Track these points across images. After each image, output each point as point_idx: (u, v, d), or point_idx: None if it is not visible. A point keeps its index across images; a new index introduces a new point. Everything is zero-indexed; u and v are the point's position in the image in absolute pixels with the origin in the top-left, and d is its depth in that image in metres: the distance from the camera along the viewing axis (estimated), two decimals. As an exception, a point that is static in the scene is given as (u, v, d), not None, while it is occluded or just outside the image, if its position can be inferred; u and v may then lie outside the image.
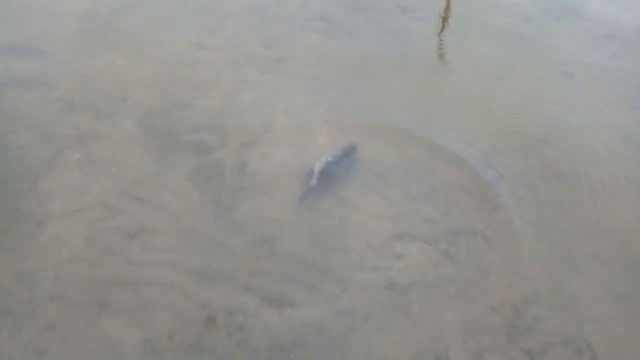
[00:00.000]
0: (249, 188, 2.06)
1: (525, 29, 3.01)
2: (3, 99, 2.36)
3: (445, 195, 2.09)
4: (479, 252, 1.91)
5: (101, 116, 2.28)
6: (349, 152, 2.20)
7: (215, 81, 2.51)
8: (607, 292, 1.78)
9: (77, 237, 1.83)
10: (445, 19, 3.14)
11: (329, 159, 2.12)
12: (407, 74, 2.63)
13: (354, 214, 2.00)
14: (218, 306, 1.70)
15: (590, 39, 2.97)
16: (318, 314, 1.72)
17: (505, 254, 1.89)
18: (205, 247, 1.86)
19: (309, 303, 1.74)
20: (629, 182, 2.13)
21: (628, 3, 3.36)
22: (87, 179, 2.03)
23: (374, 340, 1.65)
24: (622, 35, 3.00)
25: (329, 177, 2.09)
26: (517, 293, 1.78)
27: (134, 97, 2.38)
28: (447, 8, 3.23)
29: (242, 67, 2.60)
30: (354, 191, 2.10)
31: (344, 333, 1.66)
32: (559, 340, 1.64)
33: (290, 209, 2.02)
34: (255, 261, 1.83)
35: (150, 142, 2.20)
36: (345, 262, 1.84)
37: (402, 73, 2.64)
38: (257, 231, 1.92)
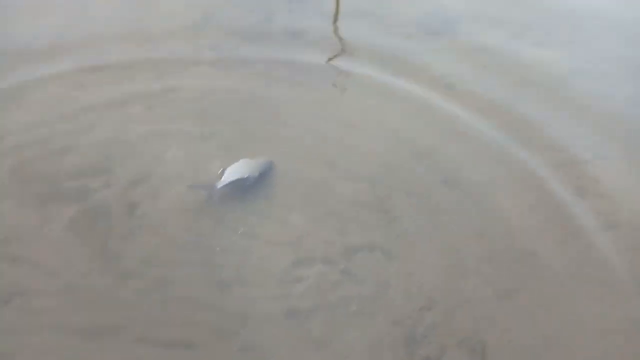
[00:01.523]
0: (138, 231, 1.95)
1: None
2: None
3: (342, 213, 2.12)
4: (377, 266, 1.95)
5: (-35, 170, 2.08)
6: (265, 170, 2.18)
7: (98, 120, 2.38)
8: (495, 289, 1.89)
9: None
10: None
11: (244, 174, 2.11)
12: (300, 98, 2.67)
13: (252, 243, 1.96)
14: (107, 365, 1.58)
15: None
16: (219, 355, 1.66)
17: (402, 266, 1.95)
18: (92, 301, 1.73)
19: (209, 345, 1.67)
20: (505, 181, 2.29)
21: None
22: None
23: (280, 374, 1.61)
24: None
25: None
26: (415, 303, 1.82)
27: (6, 143, 2.19)
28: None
29: (127, 103, 2.50)
30: (252, 219, 2.06)
31: (248, 371, 1.61)
32: (454, 343, 1.71)
33: (185, 247, 1.94)
34: (148, 309, 1.73)
35: (25, 193, 2.02)
36: (243, 297, 1.79)
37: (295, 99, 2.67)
38: (148, 276, 1.82)
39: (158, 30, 2.96)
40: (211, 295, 1.79)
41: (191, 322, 1.71)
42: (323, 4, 3.35)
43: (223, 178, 2.09)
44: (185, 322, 1.72)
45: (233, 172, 2.11)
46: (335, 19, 3.27)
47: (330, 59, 2.98)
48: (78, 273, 1.80)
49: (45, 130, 2.30)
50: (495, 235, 2.09)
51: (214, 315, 1.74)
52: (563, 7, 3.42)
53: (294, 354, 1.67)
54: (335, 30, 3.24)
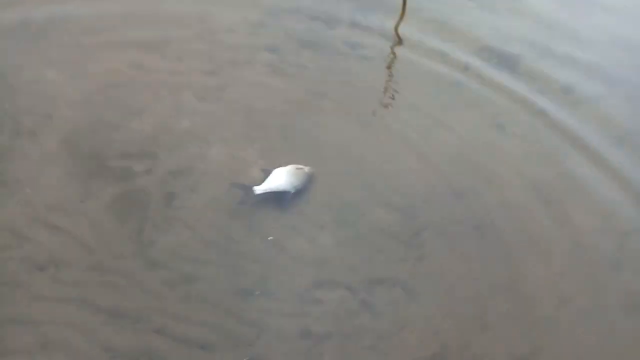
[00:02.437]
0: (173, 222, 2.00)
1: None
2: None
3: (372, 241, 2.13)
4: (398, 303, 1.95)
5: (21, 133, 2.16)
6: (305, 184, 2.20)
7: (150, 105, 2.44)
8: (510, 352, 1.87)
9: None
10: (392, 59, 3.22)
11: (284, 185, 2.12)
12: (348, 116, 2.67)
13: (279, 255, 1.99)
14: (123, 351, 1.63)
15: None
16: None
17: (422, 307, 1.95)
18: (119, 284, 1.79)
19: (222, 350, 1.71)
20: (540, 240, 2.25)
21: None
22: (-5, 201, 1.91)
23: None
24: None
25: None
26: (428, 349, 1.83)
27: (60, 115, 2.27)
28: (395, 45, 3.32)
29: (180, 92, 2.55)
30: (282, 231, 2.09)
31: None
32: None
33: (214, 247, 1.98)
34: (171, 302, 1.78)
35: (73, 165, 2.10)
36: (262, 308, 1.83)
37: (344, 115, 2.68)
38: (175, 270, 1.87)
39: (220, 25, 3.01)
40: (232, 300, 1.83)
41: (209, 324, 1.76)
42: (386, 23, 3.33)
43: (264, 184, 2.11)
44: (203, 322, 1.76)
45: (275, 180, 2.14)
46: (396, 42, 3.25)
47: (387, 79, 2.98)
48: (111, 253, 1.86)
49: (99, 106, 2.37)
50: (521, 294, 2.06)
51: (231, 321, 1.78)
52: None
53: (301, 375, 1.70)
54: (394, 48, 3.22)
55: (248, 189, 2.11)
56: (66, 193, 1.98)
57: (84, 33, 2.75)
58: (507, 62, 3.30)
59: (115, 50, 2.69)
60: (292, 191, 2.15)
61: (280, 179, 2.14)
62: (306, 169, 2.26)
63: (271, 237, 2.02)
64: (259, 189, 2.09)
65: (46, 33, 2.68)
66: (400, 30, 3.23)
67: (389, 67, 3.13)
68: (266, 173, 2.17)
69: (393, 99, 2.89)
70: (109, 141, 2.22)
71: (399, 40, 3.23)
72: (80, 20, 2.81)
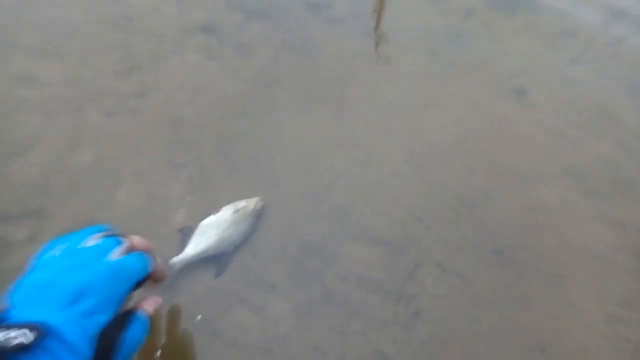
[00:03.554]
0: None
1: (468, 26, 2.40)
2: None
3: (345, 300, 1.52)
4: (383, 394, 1.37)
5: None
6: (249, 230, 1.58)
7: (40, 135, 1.83)
8: None
9: None
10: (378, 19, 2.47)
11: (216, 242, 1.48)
12: (317, 112, 2.00)
13: (212, 345, 1.42)
14: None
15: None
16: None
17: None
18: None
19: None
20: (600, 273, 1.60)
21: None
22: None
23: None
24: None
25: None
26: None
27: None
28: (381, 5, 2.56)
29: (81, 110, 1.92)
30: (215, 303, 1.50)
31: None
32: None
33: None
34: None
35: None
36: None
37: (310, 110, 2.00)
38: None
39: (139, 5, 2.32)
40: None
41: None
42: None
43: (187, 250, 1.50)
44: None
45: (202, 240, 1.51)
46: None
47: (365, 47, 2.26)
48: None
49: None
50: (558, 356, 1.44)
51: None
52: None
53: None
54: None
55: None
56: None
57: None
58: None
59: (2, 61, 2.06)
60: (231, 249, 1.55)
61: (210, 237, 1.52)
62: (252, 204, 1.64)
63: (200, 316, 1.44)
64: (177, 259, 1.49)
65: None
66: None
67: (375, 27, 2.40)
68: (185, 233, 1.56)
69: (371, 74, 2.18)
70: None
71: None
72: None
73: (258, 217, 1.62)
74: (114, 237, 0.99)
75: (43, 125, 1.86)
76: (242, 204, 1.61)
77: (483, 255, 1.64)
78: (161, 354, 1.34)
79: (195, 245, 1.48)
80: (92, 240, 0.96)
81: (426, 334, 1.47)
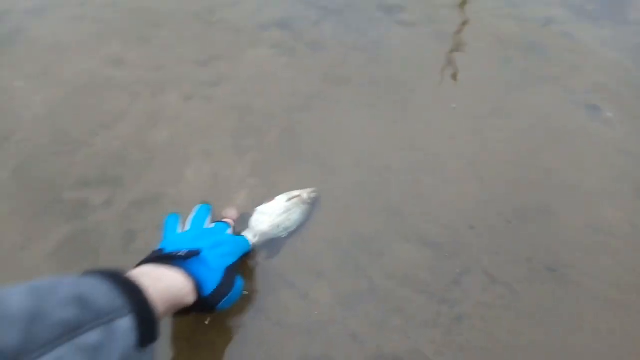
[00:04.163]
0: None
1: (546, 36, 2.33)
2: None
3: (389, 294, 1.55)
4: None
5: (-28, 160, 1.85)
6: (302, 219, 1.64)
7: (125, 111, 2.01)
8: None
9: None
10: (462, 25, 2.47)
11: (272, 226, 1.57)
12: (381, 112, 2.03)
13: (255, 320, 1.50)
14: None
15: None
16: None
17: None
18: None
19: None
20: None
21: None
22: None
23: None
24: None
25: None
26: None
27: (19, 135, 1.92)
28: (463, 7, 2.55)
29: (162, 92, 2.08)
30: (263, 282, 1.58)
31: None
32: None
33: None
34: None
35: (23, 199, 1.75)
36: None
37: (373, 109, 2.04)
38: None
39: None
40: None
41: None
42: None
43: (243, 232, 1.55)
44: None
45: (256, 221, 1.58)
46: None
47: (435, 52, 2.26)
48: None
49: (64, 120, 1.99)
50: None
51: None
52: None
53: None
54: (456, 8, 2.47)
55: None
56: (8, 237, 1.63)
57: (64, 26, 2.37)
58: (612, 8, 2.41)
59: (92, 44, 2.28)
60: (284, 235, 1.62)
61: (264, 223, 1.58)
62: (305, 194, 1.70)
63: (246, 292, 1.53)
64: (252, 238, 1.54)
65: (15, 37, 2.33)
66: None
67: (456, 35, 2.40)
68: (243, 218, 1.64)
69: (439, 79, 2.18)
70: (68, 165, 1.83)
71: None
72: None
73: (311, 206, 1.68)
74: (221, 222, 1.45)
75: (127, 103, 2.04)
76: (295, 193, 1.68)
77: (535, 270, 1.61)
78: (210, 321, 1.44)
79: (250, 230, 1.56)
80: (209, 223, 1.44)
81: (466, 339, 1.46)
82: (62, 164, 1.83)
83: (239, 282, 1.28)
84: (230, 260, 1.23)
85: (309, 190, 1.71)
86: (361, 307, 1.52)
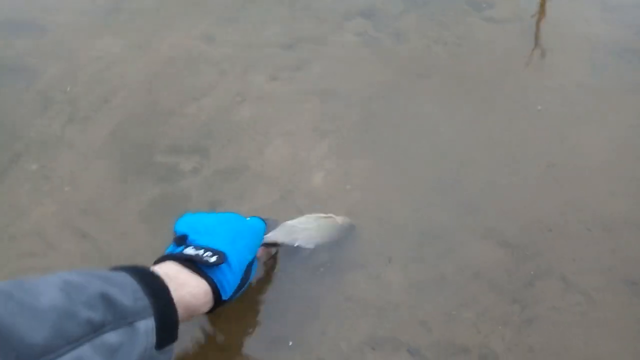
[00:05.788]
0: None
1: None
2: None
3: (459, 287, 1.56)
4: (482, 388, 1.39)
5: (75, 119, 2.00)
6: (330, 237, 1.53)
7: (214, 86, 2.10)
8: None
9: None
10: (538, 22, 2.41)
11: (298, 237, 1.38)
12: (461, 107, 2.02)
13: (329, 294, 1.55)
14: None
15: None
16: None
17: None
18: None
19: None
20: None
21: None
22: (34, 198, 1.77)
23: None
24: None
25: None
26: None
27: (117, 98, 2.06)
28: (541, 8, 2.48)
29: (249, 72, 2.16)
30: (338, 258, 1.63)
31: None
32: None
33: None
34: None
35: (119, 158, 1.87)
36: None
37: (453, 104, 2.04)
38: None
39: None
40: (263, 352, 1.46)
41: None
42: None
43: (273, 233, 1.35)
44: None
45: (283, 226, 1.42)
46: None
47: (522, 51, 2.22)
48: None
49: (159, 88, 2.11)
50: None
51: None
52: None
53: None
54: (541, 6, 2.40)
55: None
56: (103, 194, 1.76)
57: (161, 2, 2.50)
58: None
59: (187, 20, 2.39)
60: (310, 246, 1.45)
61: (292, 232, 1.40)
62: (339, 219, 1.56)
63: (322, 269, 1.58)
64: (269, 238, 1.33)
65: (120, 4, 2.47)
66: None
67: (545, 36, 2.34)
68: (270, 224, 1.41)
69: (524, 78, 2.14)
70: (162, 131, 1.95)
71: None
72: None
73: (342, 232, 1.58)
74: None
75: (216, 79, 2.14)
76: (329, 214, 1.56)
77: (615, 282, 1.56)
78: (279, 290, 1.50)
79: (276, 233, 1.37)
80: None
81: (537, 342, 1.45)
82: (155, 130, 1.96)
83: (253, 269, 1.21)
84: (251, 256, 1.16)
85: (343, 217, 1.60)
86: (432, 296, 1.54)
